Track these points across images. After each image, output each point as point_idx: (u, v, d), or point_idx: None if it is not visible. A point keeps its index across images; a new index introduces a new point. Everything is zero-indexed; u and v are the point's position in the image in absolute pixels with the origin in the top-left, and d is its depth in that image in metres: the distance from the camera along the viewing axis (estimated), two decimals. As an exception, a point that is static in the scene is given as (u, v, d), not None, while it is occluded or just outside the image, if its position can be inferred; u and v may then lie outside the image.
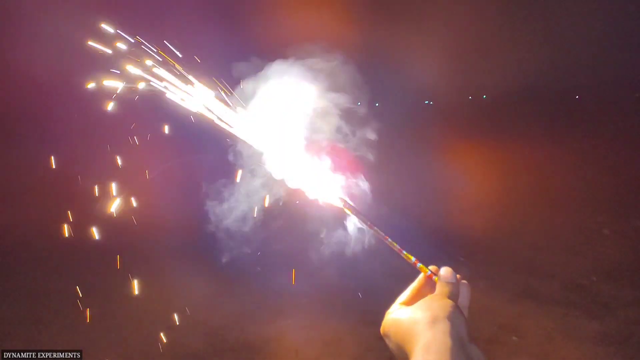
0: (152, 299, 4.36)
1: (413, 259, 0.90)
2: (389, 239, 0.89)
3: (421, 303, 0.81)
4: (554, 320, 4.33)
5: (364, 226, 0.89)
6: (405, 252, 0.89)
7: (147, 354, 3.46)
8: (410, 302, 0.86)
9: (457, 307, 0.78)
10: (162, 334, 3.76)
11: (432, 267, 0.90)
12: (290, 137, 0.55)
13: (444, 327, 0.73)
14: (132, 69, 0.61)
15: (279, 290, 4.86)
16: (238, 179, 0.76)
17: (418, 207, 7.50)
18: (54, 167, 6.08)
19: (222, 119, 0.46)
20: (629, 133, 15.11)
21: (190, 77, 0.49)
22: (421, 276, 0.91)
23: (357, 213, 0.89)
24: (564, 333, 4.13)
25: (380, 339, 0.85)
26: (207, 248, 4.42)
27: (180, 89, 0.50)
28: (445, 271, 0.88)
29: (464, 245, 6.06)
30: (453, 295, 0.84)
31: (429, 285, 0.89)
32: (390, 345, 0.82)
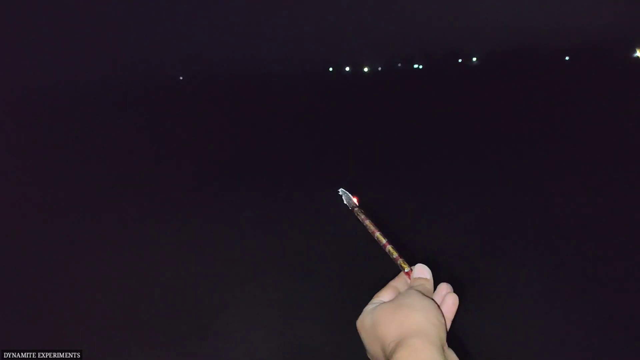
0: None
1: (395, 254, 0.86)
2: (378, 232, 0.86)
3: (400, 299, 0.77)
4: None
5: (359, 215, 0.89)
6: (390, 247, 0.85)
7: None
8: (388, 297, 0.82)
9: (438, 308, 0.75)
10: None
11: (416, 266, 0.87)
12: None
13: (426, 330, 0.69)
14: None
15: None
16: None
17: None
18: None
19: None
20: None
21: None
22: (401, 273, 0.87)
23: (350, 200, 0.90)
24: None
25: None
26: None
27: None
28: (420, 265, 0.85)
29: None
30: (426, 292, 0.80)
31: (407, 282, 0.86)
32: (365, 341, 0.78)
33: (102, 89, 53.91)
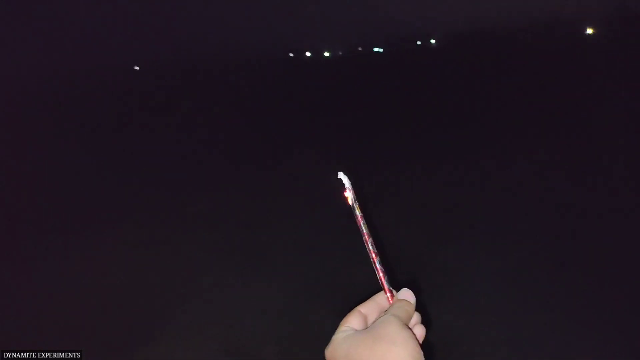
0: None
1: (381, 271, 0.77)
2: (370, 240, 0.77)
3: (378, 329, 0.69)
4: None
5: (358, 217, 0.78)
6: (378, 262, 0.76)
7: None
8: (357, 324, 0.75)
9: (415, 339, 0.69)
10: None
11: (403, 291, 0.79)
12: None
13: None
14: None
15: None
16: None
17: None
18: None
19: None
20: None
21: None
22: (374, 297, 0.79)
23: (354, 200, 0.78)
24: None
25: None
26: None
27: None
28: (405, 289, 0.78)
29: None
30: (407, 315, 0.74)
31: (383, 305, 0.78)
32: None
33: (50, 82, 51.60)
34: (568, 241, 4.99)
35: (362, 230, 0.79)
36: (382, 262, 0.79)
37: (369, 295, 0.82)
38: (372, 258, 0.78)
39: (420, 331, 0.78)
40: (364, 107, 16.97)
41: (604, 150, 8.24)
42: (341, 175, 0.79)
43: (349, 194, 0.79)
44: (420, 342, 0.75)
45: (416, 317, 0.79)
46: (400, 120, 13.39)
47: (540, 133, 10.00)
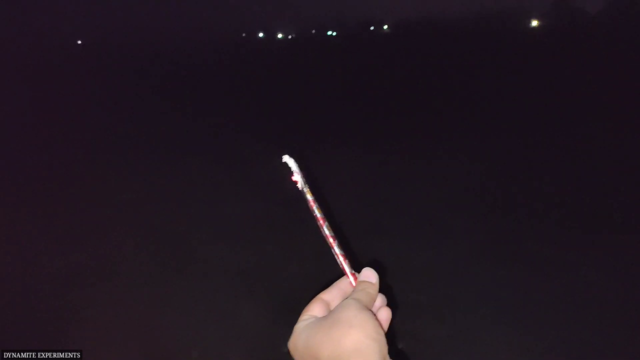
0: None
1: (340, 254, 0.74)
2: (326, 224, 0.73)
3: (336, 313, 0.67)
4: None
5: (308, 200, 0.73)
6: (336, 246, 0.73)
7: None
8: (320, 311, 0.72)
9: (376, 319, 0.67)
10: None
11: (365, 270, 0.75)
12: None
13: (366, 348, 0.62)
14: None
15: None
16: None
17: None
18: None
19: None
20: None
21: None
22: (337, 282, 0.76)
23: (304, 182, 0.74)
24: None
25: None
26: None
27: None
28: (367, 269, 0.74)
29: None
30: (369, 298, 0.71)
31: (347, 290, 0.75)
32: None
33: None
34: (505, 237, 5.08)
35: (316, 214, 0.74)
36: (340, 245, 0.74)
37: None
38: (330, 242, 0.74)
39: (386, 314, 0.74)
40: (313, 89, 16.93)
41: (538, 143, 8.52)
42: (286, 158, 0.74)
43: (297, 178, 0.75)
44: (387, 324, 0.73)
45: (380, 300, 0.75)
46: (350, 104, 13.40)
47: (485, 122, 10.29)
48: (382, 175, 7.04)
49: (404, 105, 12.98)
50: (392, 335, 0.70)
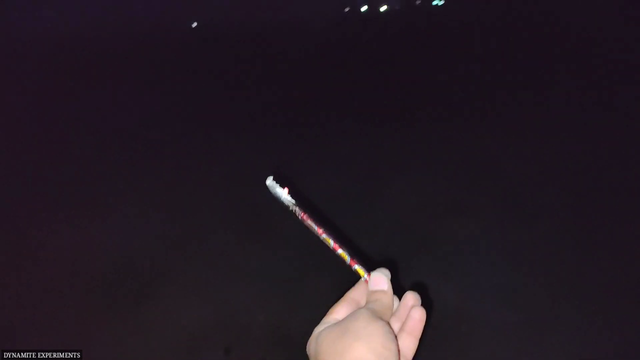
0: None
1: (348, 258, 0.72)
2: (324, 234, 0.71)
3: (347, 322, 0.65)
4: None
5: (299, 215, 0.72)
6: (341, 251, 0.71)
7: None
8: (343, 312, 0.70)
9: (388, 332, 0.64)
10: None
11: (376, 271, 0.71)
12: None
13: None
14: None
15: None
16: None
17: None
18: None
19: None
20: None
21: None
22: (360, 281, 0.73)
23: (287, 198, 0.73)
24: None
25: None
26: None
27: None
28: (375, 275, 0.71)
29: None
30: (383, 307, 0.68)
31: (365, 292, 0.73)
32: None
33: (96, 40, 49.97)
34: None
35: (313, 228, 0.74)
36: (344, 247, 0.73)
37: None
38: (340, 253, 0.73)
39: (418, 314, 0.70)
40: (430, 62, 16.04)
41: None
42: (270, 182, 0.74)
43: (284, 200, 0.74)
44: (421, 325, 0.70)
45: (413, 299, 0.71)
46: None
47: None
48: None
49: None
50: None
